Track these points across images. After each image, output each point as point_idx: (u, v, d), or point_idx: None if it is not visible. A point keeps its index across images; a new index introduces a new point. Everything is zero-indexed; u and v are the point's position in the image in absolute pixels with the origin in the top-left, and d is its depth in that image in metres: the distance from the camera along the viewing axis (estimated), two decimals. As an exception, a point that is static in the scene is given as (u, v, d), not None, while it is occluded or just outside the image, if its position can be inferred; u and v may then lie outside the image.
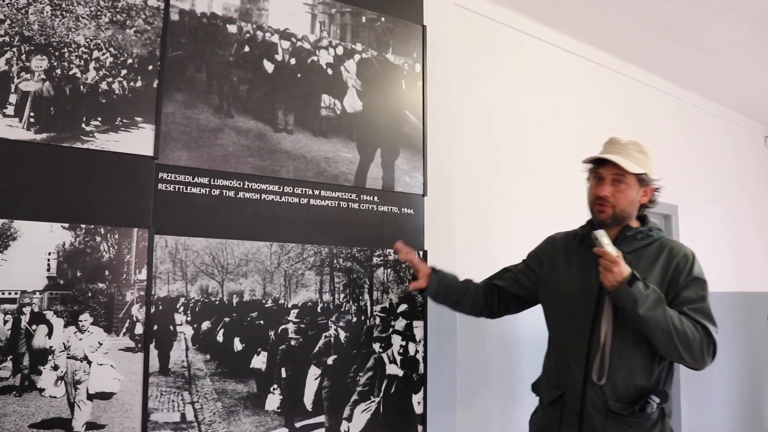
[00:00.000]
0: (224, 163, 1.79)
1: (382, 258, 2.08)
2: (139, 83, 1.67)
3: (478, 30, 2.83)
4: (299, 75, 1.97)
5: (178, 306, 1.68)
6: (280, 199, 1.89)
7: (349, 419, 1.93)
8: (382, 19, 2.18)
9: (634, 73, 3.68)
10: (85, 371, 1.52)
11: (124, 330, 1.59)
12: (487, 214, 2.76)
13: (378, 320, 2.04)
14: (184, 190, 1.71)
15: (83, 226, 1.55)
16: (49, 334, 1.48)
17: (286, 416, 1.82)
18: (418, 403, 2.09)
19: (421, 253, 2.16)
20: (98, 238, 1.57)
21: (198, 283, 1.72)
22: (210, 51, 1.81)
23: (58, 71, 1.56)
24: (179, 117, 1.73)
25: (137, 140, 1.65)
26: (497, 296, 1.91)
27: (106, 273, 1.58)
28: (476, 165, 2.73)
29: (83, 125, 1.58)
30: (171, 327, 1.66)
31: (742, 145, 4.69)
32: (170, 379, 1.64)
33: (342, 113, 2.05)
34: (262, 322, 1.81)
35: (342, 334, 1.96)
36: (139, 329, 1.60)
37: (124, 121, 1.64)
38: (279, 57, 1.94)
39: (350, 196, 2.03)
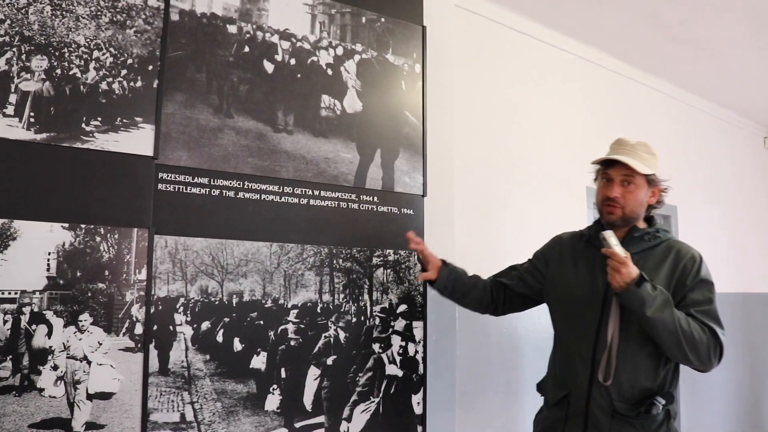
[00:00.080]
0: (224, 164, 1.79)
1: (381, 258, 2.08)
2: (139, 83, 1.67)
3: (477, 31, 2.84)
4: (299, 75, 1.97)
5: (177, 306, 1.68)
6: (280, 199, 1.89)
7: (349, 419, 1.93)
8: (382, 19, 2.18)
9: (633, 74, 3.68)
10: (84, 371, 1.52)
11: (123, 330, 1.59)
12: (486, 215, 2.76)
13: (378, 321, 2.04)
14: (184, 190, 1.72)
15: (83, 226, 1.55)
16: (49, 334, 1.48)
17: (285, 416, 1.82)
18: (418, 403, 2.09)
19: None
20: (98, 238, 1.57)
21: (198, 283, 1.72)
22: (210, 51, 1.81)
23: (58, 71, 1.56)
24: (179, 117, 1.73)
25: (137, 140, 1.65)
26: (502, 294, 1.91)
27: (106, 273, 1.58)
28: (476, 165, 2.73)
29: (83, 125, 1.58)
30: (171, 327, 1.66)
31: (742, 146, 4.70)
32: (170, 379, 1.64)
33: (342, 114, 2.05)
34: (261, 322, 1.81)
35: (342, 335, 1.96)
36: (138, 329, 1.60)
37: (124, 121, 1.64)
38: (279, 57, 1.94)
39: (350, 196, 2.03)
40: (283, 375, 1.83)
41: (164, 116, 1.70)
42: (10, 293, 1.45)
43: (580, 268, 1.75)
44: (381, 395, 2.00)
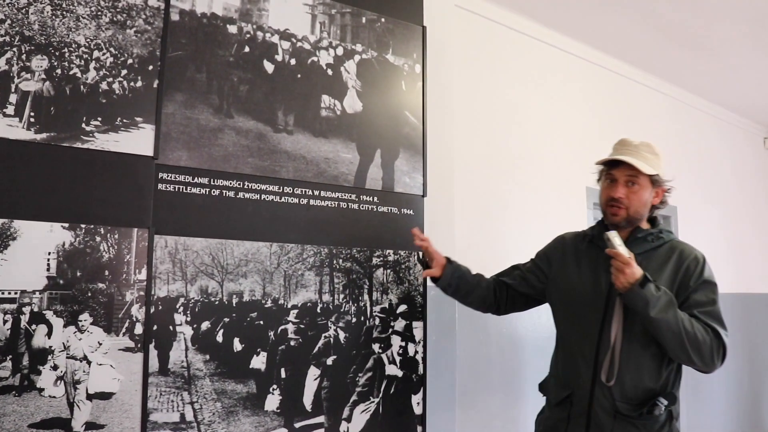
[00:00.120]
0: (224, 164, 1.79)
1: (381, 258, 2.08)
2: (139, 83, 1.67)
3: (478, 31, 2.84)
4: (299, 75, 1.98)
5: (177, 306, 1.68)
6: (280, 199, 1.89)
7: (349, 420, 1.93)
8: (382, 19, 2.18)
9: (633, 74, 3.68)
10: (84, 371, 1.52)
11: (123, 330, 1.59)
12: (486, 215, 2.76)
13: (377, 321, 2.04)
14: (184, 191, 1.72)
15: (83, 226, 1.55)
16: (49, 334, 1.48)
17: (285, 416, 1.82)
18: (418, 403, 2.09)
19: (420, 253, 2.16)
20: (98, 238, 1.57)
21: (198, 283, 1.72)
22: (210, 51, 1.81)
23: (59, 71, 1.56)
24: (179, 117, 1.73)
25: (137, 140, 1.65)
26: (505, 293, 1.91)
27: (106, 273, 1.58)
28: (476, 166, 2.73)
29: (83, 125, 1.58)
30: (171, 327, 1.66)
31: (741, 146, 4.70)
32: (170, 379, 1.64)
33: (342, 114, 2.05)
34: (261, 322, 1.81)
35: (341, 335, 1.96)
36: (138, 329, 1.60)
37: (124, 121, 1.64)
38: (279, 57, 1.94)
39: (350, 196, 2.03)
40: (283, 375, 1.83)
41: (164, 116, 1.70)
42: (10, 293, 1.45)
43: (583, 268, 1.75)
44: (381, 395, 2.00)
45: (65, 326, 1.50)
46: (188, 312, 1.70)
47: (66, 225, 1.53)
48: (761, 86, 3.95)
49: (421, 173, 2.21)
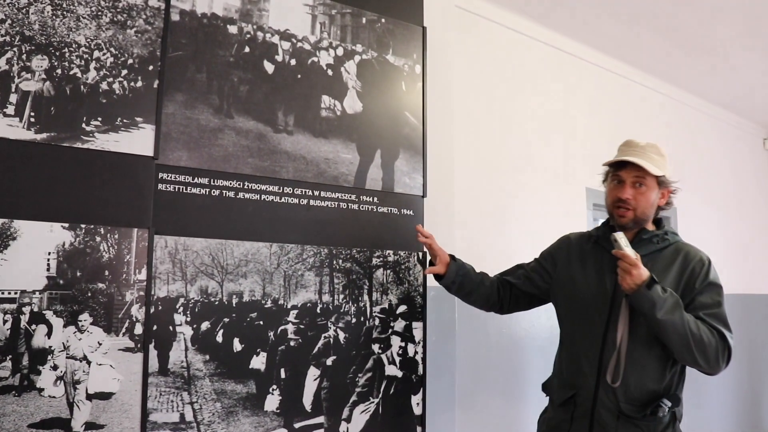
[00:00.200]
0: (224, 164, 1.79)
1: (381, 259, 2.08)
2: (139, 83, 1.67)
3: (478, 31, 2.84)
4: (299, 76, 1.98)
5: (177, 306, 1.68)
6: (280, 199, 1.89)
7: (348, 420, 1.93)
8: (383, 20, 2.19)
9: (633, 75, 3.68)
10: (84, 371, 1.52)
11: (123, 330, 1.59)
12: (486, 216, 2.76)
13: (377, 321, 2.04)
14: (184, 191, 1.72)
15: (83, 226, 1.55)
16: (49, 334, 1.48)
17: (285, 417, 1.82)
18: (417, 404, 2.09)
19: (420, 254, 2.16)
20: (98, 238, 1.57)
21: (198, 283, 1.72)
22: (210, 51, 1.81)
23: (59, 71, 1.56)
24: (179, 117, 1.73)
25: (137, 140, 1.65)
26: (509, 292, 1.91)
27: (106, 273, 1.58)
28: (476, 166, 2.73)
29: (83, 125, 1.58)
30: (170, 327, 1.66)
31: (741, 147, 4.70)
32: (169, 379, 1.64)
33: (342, 114, 2.05)
34: (261, 322, 1.81)
35: (341, 335, 1.96)
36: (138, 329, 1.60)
37: (125, 121, 1.64)
38: (279, 58, 1.94)
39: (350, 197, 2.03)
40: (283, 375, 1.83)
41: (164, 116, 1.70)
42: (10, 293, 1.45)
43: (588, 269, 1.75)
44: (380, 396, 2.00)
45: (65, 326, 1.50)
46: (188, 312, 1.70)
47: (66, 225, 1.53)
48: (761, 87, 3.96)
49: (421, 174, 2.21)
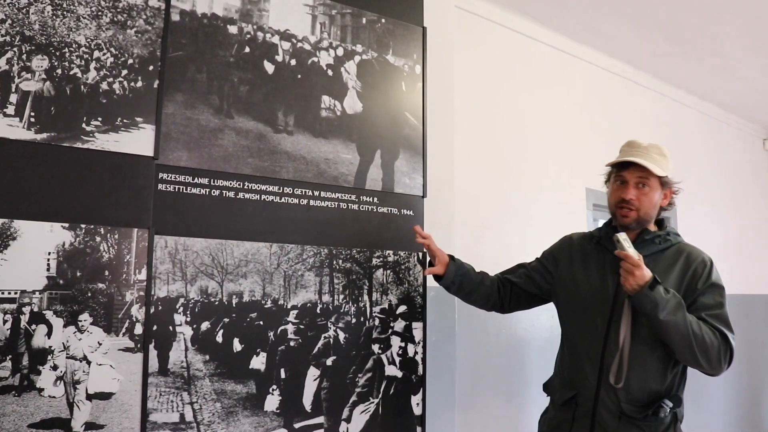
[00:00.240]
0: (224, 164, 1.79)
1: (381, 259, 2.08)
2: (139, 83, 1.67)
3: (478, 32, 2.84)
4: (299, 76, 1.98)
5: (177, 306, 1.68)
6: (280, 200, 1.89)
7: (348, 420, 1.93)
8: (383, 20, 2.19)
9: (633, 76, 3.68)
10: (84, 371, 1.52)
11: (123, 330, 1.59)
12: (486, 216, 2.76)
13: (377, 321, 2.04)
14: (184, 191, 1.72)
15: (83, 226, 1.55)
16: (49, 334, 1.48)
17: (285, 417, 1.82)
18: (417, 404, 2.09)
19: (420, 254, 2.16)
20: (98, 238, 1.57)
21: (197, 283, 1.72)
22: (210, 52, 1.81)
23: (59, 71, 1.56)
24: (179, 117, 1.73)
25: (137, 140, 1.65)
26: (509, 291, 1.91)
27: (106, 273, 1.58)
28: (476, 167, 2.73)
29: (84, 125, 1.58)
30: (170, 327, 1.66)
31: (741, 147, 4.70)
32: (169, 379, 1.64)
33: (342, 114, 2.05)
34: (261, 322, 1.81)
35: (341, 335, 1.96)
36: (138, 329, 1.60)
37: (125, 121, 1.64)
38: (279, 58, 1.94)
39: (350, 197, 2.03)
40: (283, 375, 1.83)
41: (165, 116, 1.70)
42: (10, 293, 1.45)
43: (591, 269, 1.75)
44: (380, 396, 2.00)
45: (65, 326, 1.50)
46: (188, 312, 1.70)
47: (66, 225, 1.53)
48: (761, 87, 3.96)
49: (421, 174, 2.21)
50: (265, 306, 1.83)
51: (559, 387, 1.78)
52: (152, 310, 1.64)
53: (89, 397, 1.51)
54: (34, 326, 1.47)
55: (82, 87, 1.59)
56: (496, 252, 2.67)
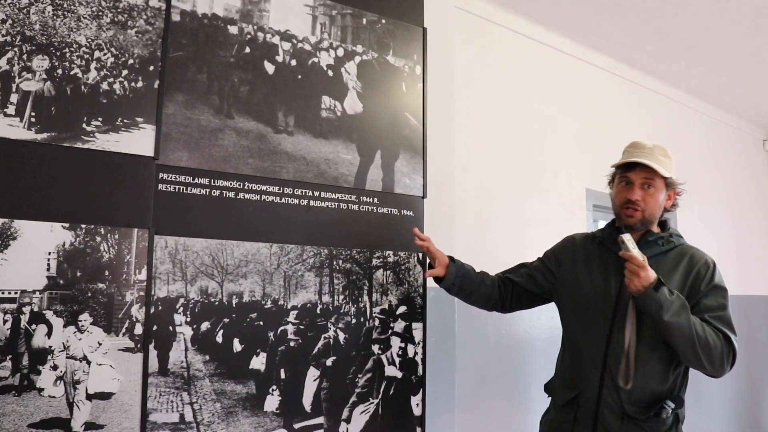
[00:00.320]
0: (224, 164, 1.79)
1: (381, 260, 2.08)
2: (140, 84, 1.67)
3: (478, 33, 2.84)
4: (300, 76, 1.98)
5: (177, 306, 1.68)
6: (280, 200, 1.89)
7: (348, 420, 1.93)
8: (383, 21, 2.19)
9: (633, 76, 3.69)
10: (84, 371, 1.52)
11: (123, 330, 1.59)
12: (486, 217, 2.76)
13: (377, 322, 2.04)
14: (185, 191, 1.72)
15: (83, 226, 1.55)
16: (49, 334, 1.48)
17: (284, 417, 1.82)
18: (417, 404, 2.09)
19: (420, 255, 2.16)
20: (98, 238, 1.57)
21: (198, 283, 1.72)
22: (211, 52, 1.81)
23: (60, 71, 1.56)
24: (180, 118, 1.73)
25: (138, 140, 1.65)
26: (510, 290, 1.91)
27: (106, 273, 1.58)
28: (476, 167, 2.73)
29: (84, 125, 1.58)
30: (170, 327, 1.66)
31: (741, 148, 4.71)
32: (169, 379, 1.64)
33: (342, 115, 2.05)
34: (261, 323, 1.82)
35: (341, 336, 1.96)
36: (138, 329, 1.60)
37: (125, 121, 1.64)
38: (280, 58, 1.94)
39: (350, 197, 2.03)
40: (283, 376, 1.83)
41: (165, 117, 1.70)
42: (10, 293, 1.45)
43: (593, 270, 1.75)
44: (380, 396, 2.00)
45: (65, 326, 1.50)
46: (188, 312, 1.70)
47: (66, 225, 1.53)
48: (761, 88, 3.96)
49: (421, 174, 2.21)
50: (265, 306, 1.83)
51: (560, 388, 1.78)
52: (152, 310, 1.64)
53: (89, 397, 1.51)
54: (34, 326, 1.47)
55: (83, 87, 1.59)
56: (496, 252, 2.67)
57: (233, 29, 1.86)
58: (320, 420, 1.89)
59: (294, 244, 1.90)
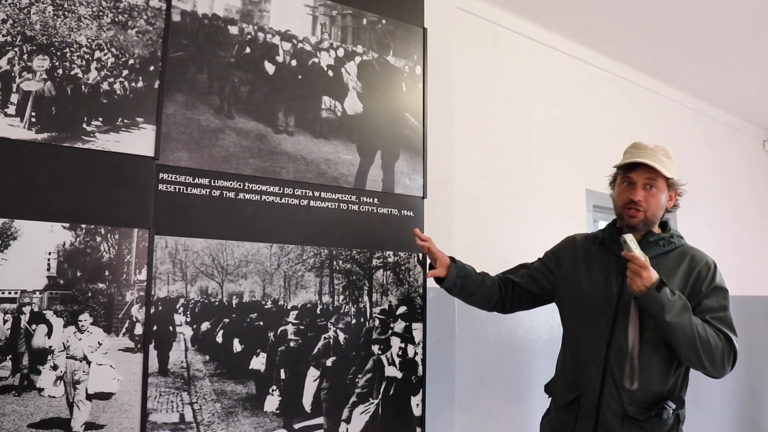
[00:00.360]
0: (225, 164, 1.79)
1: (381, 260, 2.08)
2: (140, 84, 1.67)
3: (478, 33, 2.84)
4: (300, 76, 1.98)
5: (177, 307, 1.68)
6: (280, 200, 1.89)
7: (348, 421, 1.93)
8: (383, 21, 2.19)
9: (633, 77, 3.69)
10: (84, 371, 1.52)
11: (123, 330, 1.59)
12: (486, 217, 2.76)
13: (377, 322, 2.04)
14: (185, 191, 1.72)
15: (83, 226, 1.55)
16: (49, 334, 1.48)
17: (284, 417, 1.82)
18: (417, 405, 2.09)
19: (420, 255, 2.16)
20: (98, 238, 1.57)
21: (198, 283, 1.72)
22: (211, 52, 1.81)
23: (60, 71, 1.56)
24: (180, 118, 1.73)
25: (138, 141, 1.65)
26: (511, 291, 1.91)
27: (106, 273, 1.58)
28: (476, 168, 2.73)
29: (84, 125, 1.58)
30: (170, 327, 1.66)
31: (741, 148, 4.71)
32: (169, 379, 1.64)
33: (342, 115, 2.05)
34: (261, 323, 1.82)
35: (341, 336, 1.96)
36: (138, 329, 1.60)
37: (125, 121, 1.64)
38: (280, 58, 1.94)
39: (350, 197, 2.03)
40: (283, 376, 1.83)
41: (165, 117, 1.70)
42: (10, 293, 1.45)
43: (594, 270, 1.75)
44: (380, 397, 2.00)
45: (65, 326, 1.50)
46: (188, 312, 1.70)
47: (66, 225, 1.53)
48: (761, 88, 3.96)
49: (421, 175, 2.21)
50: (265, 306, 1.83)
51: (561, 388, 1.78)
52: (152, 311, 1.64)
53: (89, 397, 1.51)
54: (34, 326, 1.47)
55: (83, 87, 1.59)
56: (497, 253, 2.67)
57: (233, 29, 1.86)
58: (320, 420, 1.89)
59: (294, 245, 1.90)
